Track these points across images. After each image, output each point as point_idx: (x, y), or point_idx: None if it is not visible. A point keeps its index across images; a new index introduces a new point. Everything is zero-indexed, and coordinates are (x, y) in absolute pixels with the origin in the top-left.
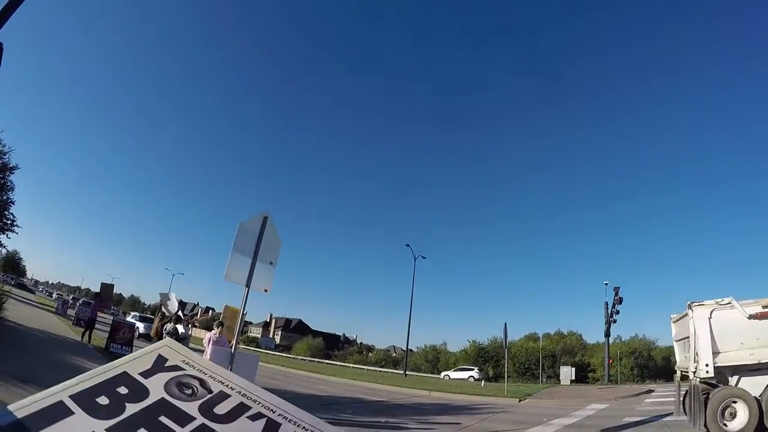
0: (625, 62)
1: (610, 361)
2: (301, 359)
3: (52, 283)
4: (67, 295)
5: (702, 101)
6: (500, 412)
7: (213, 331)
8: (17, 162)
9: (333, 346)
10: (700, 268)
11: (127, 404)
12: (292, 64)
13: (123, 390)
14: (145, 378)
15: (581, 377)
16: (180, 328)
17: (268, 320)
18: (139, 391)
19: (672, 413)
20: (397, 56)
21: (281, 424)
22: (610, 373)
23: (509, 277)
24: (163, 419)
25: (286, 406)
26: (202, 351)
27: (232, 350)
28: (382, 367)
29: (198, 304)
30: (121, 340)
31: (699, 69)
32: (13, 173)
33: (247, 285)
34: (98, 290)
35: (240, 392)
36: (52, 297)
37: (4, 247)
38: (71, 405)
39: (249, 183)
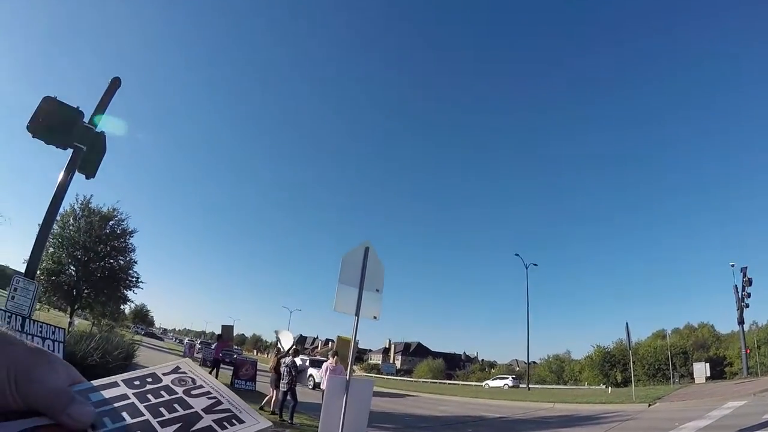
0: None
1: (748, 351)
2: (422, 381)
3: (179, 330)
4: (192, 339)
5: None
6: (627, 419)
7: (329, 361)
8: (135, 226)
9: (454, 365)
10: None
11: (147, 385)
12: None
13: (149, 378)
14: (164, 376)
15: (717, 373)
16: (298, 361)
17: (387, 346)
18: (156, 379)
19: None
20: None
21: (222, 402)
22: (748, 364)
23: (629, 274)
24: (162, 391)
25: (236, 398)
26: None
27: (347, 377)
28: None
29: (317, 338)
30: (245, 376)
31: None
32: (132, 236)
33: (357, 314)
34: (220, 332)
35: (213, 387)
36: (182, 342)
37: (132, 301)
38: (120, 382)
39: (351, 213)
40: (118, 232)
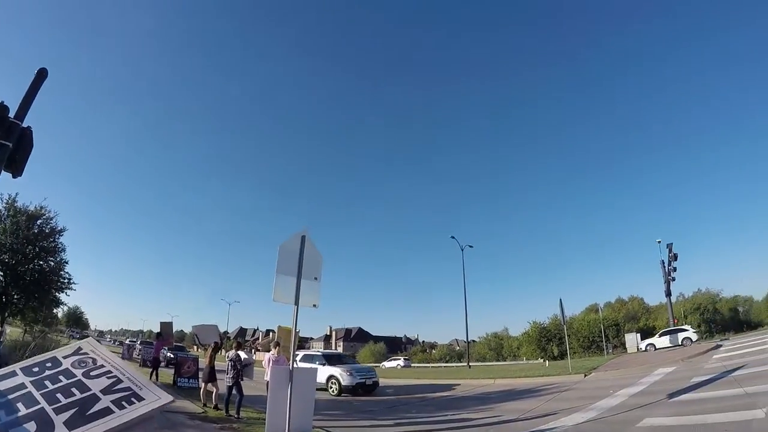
0: None
1: (675, 321)
2: (409, 367)
3: (115, 331)
4: (133, 339)
5: None
6: (565, 390)
7: (271, 352)
8: (64, 224)
9: (395, 348)
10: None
11: (46, 370)
12: None
13: (48, 364)
14: (64, 359)
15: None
16: (243, 354)
17: (328, 333)
18: (55, 364)
19: (742, 366)
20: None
21: (122, 380)
22: None
23: (563, 252)
24: (60, 376)
25: (137, 375)
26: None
27: (290, 368)
28: (447, 362)
29: (258, 329)
30: (187, 374)
31: None
32: (62, 235)
33: (296, 303)
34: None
35: (114, 366)
36: (123, 345)
37: (65, 304)
38: (18, 371)
39: (290, 203)
40: (47, 231)
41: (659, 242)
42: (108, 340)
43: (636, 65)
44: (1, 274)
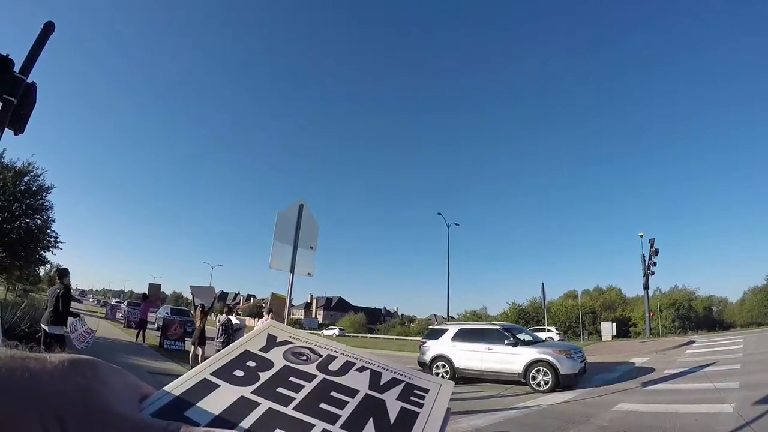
0: None
1: (651, 314)
2: (344, 336)
3: (97, 290)
4: (119, 300)
5: None
6: None
7: (263, 318)
8: (52, 182)
9: (375, 320)
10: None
11: (259, 373)
12: None
13: (251, 363)
14: (265, 353)
15: (623, 332)
16: (233, 319)
17: (309, 301)
18: (265, 362)
19: (713, 363)
20: None
21: (381, 373)
22: (651, 326)
23: (546, 235)
24: (292, 379)
25: (380, 360)
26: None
27: None
28: (425, 336)
29: (239, 293)
30: (174, 336)
31: None
32: (49, 193)
33: (291, 270)
34: (143, 291)
35: (343, 353)
36: (106, 305)
37: (51, 263)
38: (214, 380)
39: (277, 172)
40: (34, 188)
41: (641, 236)
42: (90, 299)
43: (636, 68)
44: None
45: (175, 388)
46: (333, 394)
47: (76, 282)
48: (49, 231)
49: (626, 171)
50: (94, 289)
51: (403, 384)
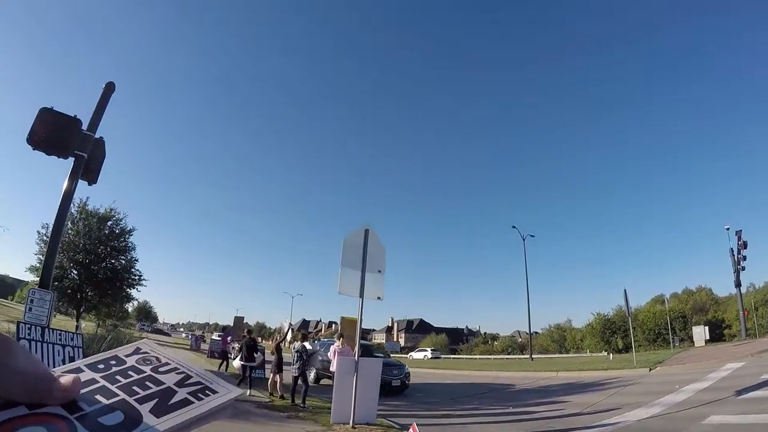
0: None
1: (745, 313)
2: (439, 358)
3: (183, 324)
4: (201, 333)
5: None
6: (630, 384)
7: (336, 343)
8: (134, 225)
9: (457, 340)
10: None
11: (112, 367)
12: None
13: (112, 361)
14: (126, 357)
15: (716, 336)
16: (307, 345)
17: (390, 325)
18: (120, 362)
19: None
20: None
21: (192, 377)
22: (746, 326)
23: (628, 239)
24: (129, 372)
25: (202, 371)
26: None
27: (356, 358)
28: (508, 354)
29: (320, 321)
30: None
31: None
32: (131, 235)
33: (361, 295)
34: (227, 324)
35: (178, 363)
36: (192, 337)
37: (136, 299)
38: (83, 367)
39: (350, 195)
40: (117, 231)
41: (728, 229)
42: (183, 333)
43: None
44: (76, 273)
45: (60, 370)
46: (147, 382)
47: (163, 316)
48: (133, 270)
49: (703, 160)
50: (179, 323)
51: (202, 385)
